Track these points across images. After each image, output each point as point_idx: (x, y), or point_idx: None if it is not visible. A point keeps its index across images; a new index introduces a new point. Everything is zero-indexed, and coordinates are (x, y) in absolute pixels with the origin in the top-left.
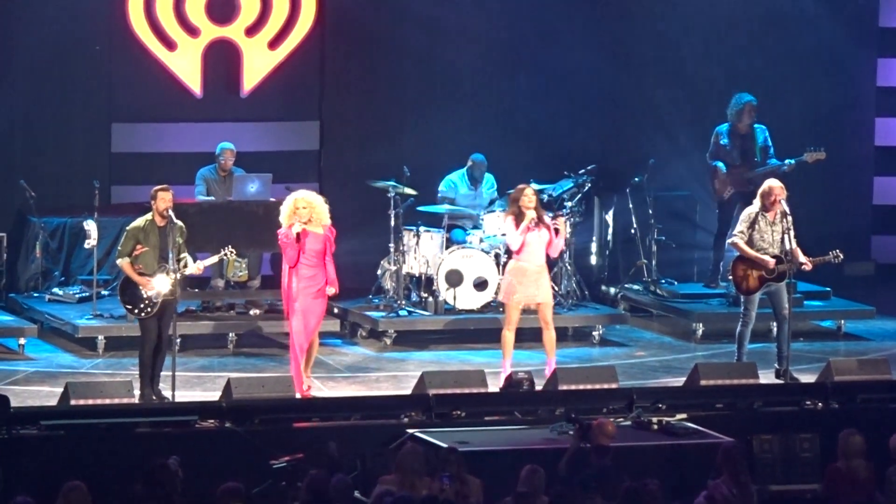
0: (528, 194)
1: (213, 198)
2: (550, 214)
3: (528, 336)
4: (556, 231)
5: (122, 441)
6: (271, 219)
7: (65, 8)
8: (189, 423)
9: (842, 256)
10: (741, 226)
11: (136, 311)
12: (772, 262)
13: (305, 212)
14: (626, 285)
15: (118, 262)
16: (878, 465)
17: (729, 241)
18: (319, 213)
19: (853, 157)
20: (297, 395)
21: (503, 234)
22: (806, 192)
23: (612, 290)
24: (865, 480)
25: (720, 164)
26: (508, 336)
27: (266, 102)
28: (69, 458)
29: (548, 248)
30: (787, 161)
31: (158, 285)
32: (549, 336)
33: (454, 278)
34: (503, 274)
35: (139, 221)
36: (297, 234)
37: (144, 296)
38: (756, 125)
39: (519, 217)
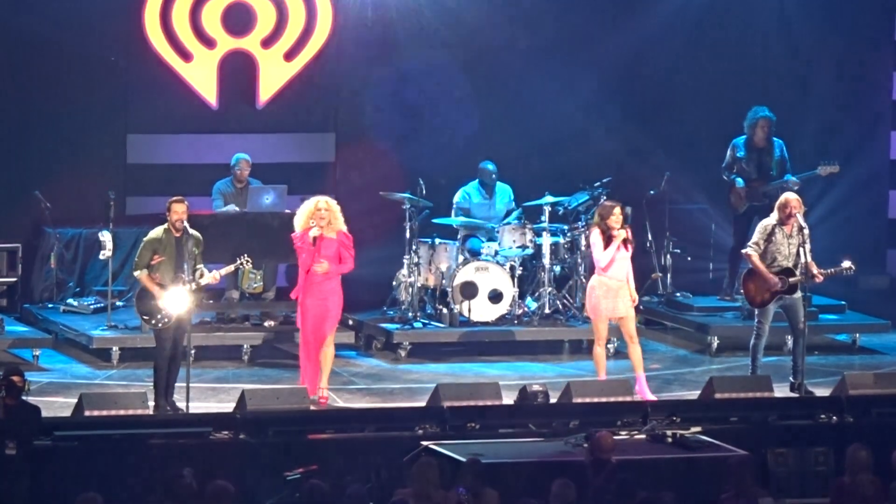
0: (617, 213)
1: (234, 206)
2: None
3: (543, 349)
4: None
5: (136, 452)
6: (286, 230)
7: (81, 19)
8: (203, 434)
9: (854, 268)
10: (756, 237)
11: (154, 322)
12: (777, 282)
13: (326, 214)
14: (641, 298)
15: (135, 273)
16: (889, 479)
17: (743, 251)
18: (337, 219)
19: (868, 171)
20: (312, 402)
21: (585, 246)
22: (821, 206)
23: None
24: (873, 495)
25: (738, 180)
26: (600, 352)
27: (281, 114)
28: (83, 469)
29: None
30: (801, 175)
31: (171, 304)
32: (636, 351)
33: (469, 290)
34: (587, 290)
35: (156, 232)
36: (314, 238)
37: (161, 307)
38: (774, 139)
39: (606, 233)
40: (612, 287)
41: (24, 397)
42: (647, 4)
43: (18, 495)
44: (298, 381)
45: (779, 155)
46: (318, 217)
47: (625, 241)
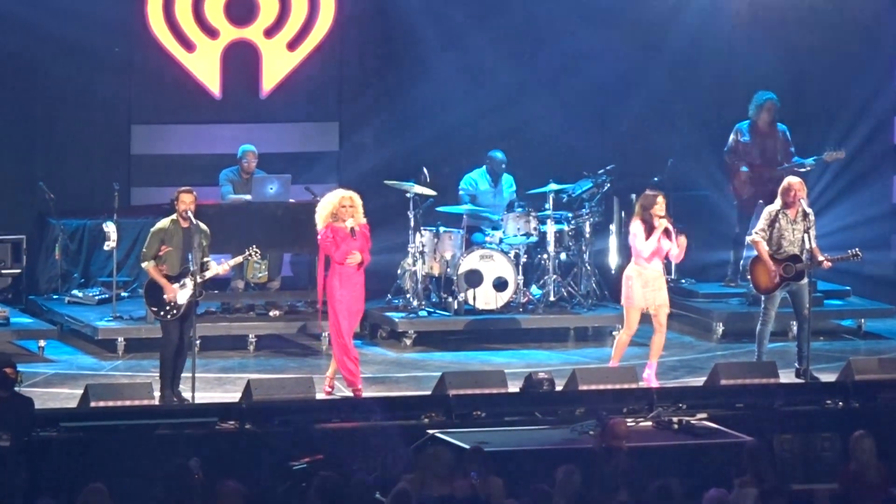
0: (661, 202)
1: (246, 196)
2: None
3: (548, 336)
4: (679, 240)
5: (142, 443)
6: (291, 220)
7: (84, 10)
8: (209, 424)
9: (861, 255)
10: (761, 223)
11: (162, 313)
12: (782, 274)
13: (351, 210)
14: None
15: (143, 265)
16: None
17: (748, 238)
18: (359, 212)
19: (872, 156)
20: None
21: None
22: (826, 191)
23: None
24: (879, 481)
25: (743, 167)
26: (625, 340)
27: (285, 103)
28: (89, 460)
29: (668, 253)
30: (808, 160)
31: (180, 295)
32: (660, 340)
33: (474, 279)
34: (623, 278)
35: (163, 223)
36: (352, 229)
37: (166, 299)
38: (778, 124)
39: (648, 223)
40: (651, 277)
41: (17, 389)
42: None
43: (16, 487)
44: (305, 370)
45: (783, 139)
46: (342, 214)
47: (666, 231)
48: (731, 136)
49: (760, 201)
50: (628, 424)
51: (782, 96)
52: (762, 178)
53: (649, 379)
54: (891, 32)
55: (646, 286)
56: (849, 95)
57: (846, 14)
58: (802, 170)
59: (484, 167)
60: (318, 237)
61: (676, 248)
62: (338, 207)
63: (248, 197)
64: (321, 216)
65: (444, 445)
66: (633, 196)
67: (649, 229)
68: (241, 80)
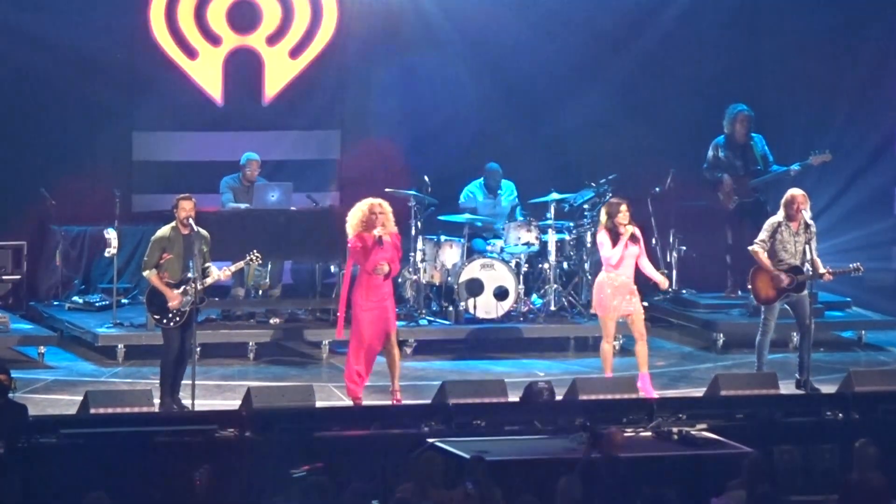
0: (624, 210)
1: (245, 204)
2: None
3: (548, 346)
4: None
5: (141, 450)
6: (292, 227)
7: (86, 17)
8: (209, 432)
9: (862, 269)
10: (763, 234)
11: (165, 321)
12: (785, 278)
13: (382, 217)
14: (646, 295)
15: (145, 273)
16: None
17: (750, 248)
18: (390, 220)
19: (874, 166)
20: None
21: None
22: (827, 201)
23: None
24: (881, 492)
25: (724, 176)
26: (608, 349)
27: (287, 111)
28: (89, 467)
29: (638, 260)
30: (792, 166)
31: (182, 302)
32: (643, 349)
33: (474, 287)
34: (594, 288)
35: (164, 230)
36: (380, 238)
37: (170, 307)
38: (753, 134)
39: (614, 231)
40: (621, 284)
41: (12, 395)
42: (651, 3)
43: (10, 494)
44: (305, 378)
45: (760, 149)
46: (373, 222)
47: (632, 237)
48: (710, 152)
49: (749, 211)
50: (626, 435)
51: (779, 108)
52: (746, 188)
53: (645, 389)
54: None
55: (616, 294)
56: (850, 104)
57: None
58: (789, 177)
59: (481, 179)
60: (349, 246)
61: (647, 263)
62: (367, 215)
63: (246, 205)
64: (351, 225)
65: (441, 454)
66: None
67: (615, 237)
68: (243, 87)
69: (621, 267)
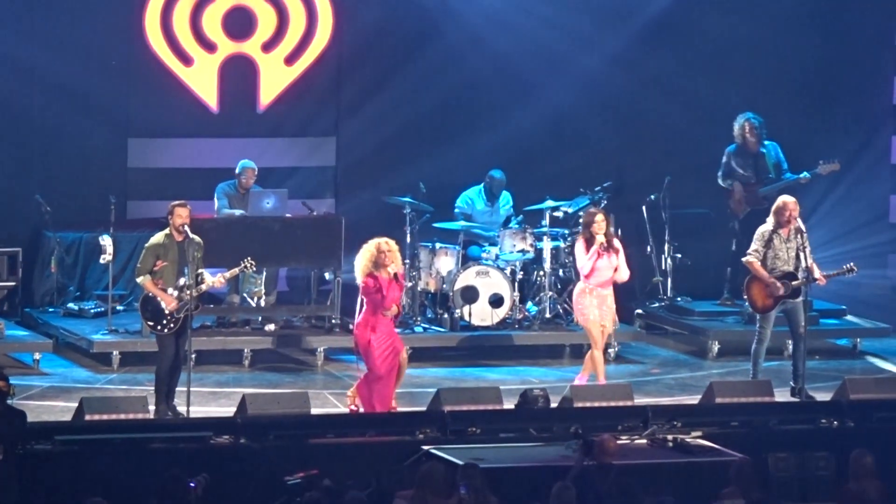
0: (599, 220)
1: (240, 210)
2: None
3: (543, 353)
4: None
5: (136, 457)
6: (287, 234)
7: (82, 23)
8: (204, 438)
9: (856, 269)
10: (755, 244)
11: (159, 327)
12: (781, 286)
13: (390, 254)
14: (641, 302)
15: (139, 280)
16: (893, 484)
17: (744, 259)
18: (398, 258)
19: (870, 175)
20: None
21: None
22: (823, 211)
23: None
24: (878, 500)
25: (735, 184)
26: (598, 355)
27: (282, 118)
28: (84, 473)
29: (615, 272)
30: (802, 174)
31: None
32: (598, 355)
33: (470, 295)
34: (574, 298)
35: (158, 237)
36: (395, 275)
37: (166, 311)
38: (767, 142)
39: (590, 241)
40: (598, 294)
41: (10, 402)
42: (648, 8)
43: (9, 500)
44: (300, 385)
45: (774, 157)
46: (383, 260)
47: (609, 249)
48: (724, 160)
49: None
50: (620, 442)
51: (777, 116)
52: (757, 197)
53: (579, 380)
54: (888, 49)
55: (593, 303)
56: (846, 114)
57: (843, 29)
58: (799, 184)
59: (482, 185)
60: (361, 288)
61: (625, 268)
62: (376, 255)
63: (240, 212)
64: (360, 267)
65: (439, 462)
66: (631, 214)
67: (591, 246)
68: (238, 94)
69: (593, 277)
